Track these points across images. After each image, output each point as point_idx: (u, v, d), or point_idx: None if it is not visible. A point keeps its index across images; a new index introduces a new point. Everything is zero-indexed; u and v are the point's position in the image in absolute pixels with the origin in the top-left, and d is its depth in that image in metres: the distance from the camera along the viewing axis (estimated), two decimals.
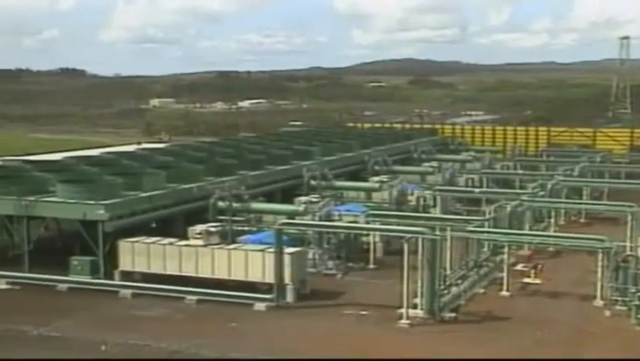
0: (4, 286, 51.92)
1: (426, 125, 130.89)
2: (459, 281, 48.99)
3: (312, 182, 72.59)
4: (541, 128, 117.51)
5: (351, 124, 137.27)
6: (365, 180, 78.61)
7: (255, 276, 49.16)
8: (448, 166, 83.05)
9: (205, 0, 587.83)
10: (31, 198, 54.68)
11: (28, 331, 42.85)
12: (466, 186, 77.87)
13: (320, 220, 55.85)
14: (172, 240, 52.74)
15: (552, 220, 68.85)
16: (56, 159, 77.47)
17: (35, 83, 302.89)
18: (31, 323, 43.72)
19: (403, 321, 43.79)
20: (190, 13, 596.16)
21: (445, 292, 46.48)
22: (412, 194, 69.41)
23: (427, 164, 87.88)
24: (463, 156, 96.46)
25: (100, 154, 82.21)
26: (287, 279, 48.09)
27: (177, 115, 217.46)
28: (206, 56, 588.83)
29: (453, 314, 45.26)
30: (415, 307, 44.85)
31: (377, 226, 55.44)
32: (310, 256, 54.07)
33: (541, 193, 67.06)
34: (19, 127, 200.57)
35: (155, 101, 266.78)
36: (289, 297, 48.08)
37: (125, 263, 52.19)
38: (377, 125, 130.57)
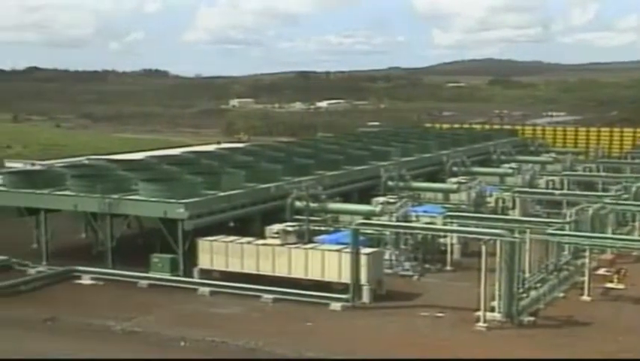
0: (89, 282, 53.40)
1: (505, 126, 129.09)
2: (538, 285, 48.11)
3: (390, 183, 72.39)
4: (626, 130, 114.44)
5: (429, 125, 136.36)
6: (443, 181, 77.98)
7: (331, 276, 49.32)
8: (528, 168, 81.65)
9: (285, 1, 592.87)
10: (115, 197, 56.10)
11: (112, 326, 43.93)
12: (547, 188, 76.41)
13: (397, 221, 55.64)
14: (250, 239, 53.38)
15: (636, 224, 66.91)
16: (139, 158, 79.27)
17: (120, 83, 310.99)
18: (114, 318, 44.84)
19: (480, 324, 43.26)
20: (270, 14, 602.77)
21: (524, 295, 45.71)
22: (490, 196, 68.53)
23: (506, 165, 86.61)
24: (543, 157, 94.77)
25: (181, 153, 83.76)
26: (363, 279, 48.08)
27: (256, 115, 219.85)
28: (286, 56, 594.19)
29: (532, 318, 44.48)
30: (492, 310, 44.25)
31: (455, 227, 54.93)
32: (387, 256, 53.91)
33: (625, 196, 65.32)
34: (103, 127, 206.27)
35: (234, 102, 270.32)
36: (365, 297, 48.06)
37: (203, 261, 53.06)
38: (456, 125, 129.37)
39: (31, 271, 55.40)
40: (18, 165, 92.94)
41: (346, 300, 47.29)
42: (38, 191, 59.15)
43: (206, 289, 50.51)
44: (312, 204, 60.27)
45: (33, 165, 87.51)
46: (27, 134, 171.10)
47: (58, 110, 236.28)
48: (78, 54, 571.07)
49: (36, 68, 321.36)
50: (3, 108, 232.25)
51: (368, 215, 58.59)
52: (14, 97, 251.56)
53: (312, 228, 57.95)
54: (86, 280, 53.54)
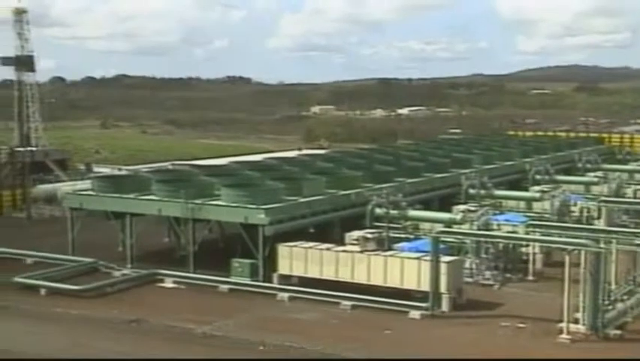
0: (171, 285, 54.41)
1: (591, 134, 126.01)
2: (625, 297, 46.74)
3: (471, 190, 71.53)
4: None
5: (512, 132, 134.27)
6: (526, 189, 76.63)
7: (410, 283, 49.01)
8: (615, 176, 79.51)
9: (368, 8, 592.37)
10: (198, 202, 57.04)
11: (193, 329, 44.64)
12: (635, 198, 74.20)
13: (478, 229, 54.95)
14: (329, 245, 53.51)
15: None
16: (222, 163, 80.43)
17: (204, 90, 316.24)
18: (195, 322, 45.55)
19: (564, 336, 42.28)
20: (353, 20, 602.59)
21: (610, 307, 44.46)
22: (575, 205, 66.97)
23: (592, 174, 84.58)
24: (631, 166, 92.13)
25: (263, 159, 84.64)
26: (443, 288, 47.61)
27: (337, 122, 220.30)
28: (368, 63, 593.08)
29: (618, 332, 43.23)
30: (576, 322, 43.22)
31: (537, 236, 53.89)
32: (467, 265, 53.31)
33: None
34: (187, 133, 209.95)
35: (315, 108, 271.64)
36: (445, 306, 47.59)
37: (283, 267, 53.42)
38: (539, 133, 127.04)
39: (117, 273, 56.83)
40: (105, 170, 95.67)
41: (425, 308, 46.91)
42: (124, 195, 60.66)
43: (286, 295, 50.82)
44: (392, 212, 60.05)
45: (120, 170, 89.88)
46: (114, 140, 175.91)
47: (144, 116, 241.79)
48: (164, 62, 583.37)
49: (124, 76, 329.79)
50: (93, 115, 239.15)
51: (449, 223, 58.04)
52: (103, 104, 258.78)
53: (391, 235, 57.71)
54: (168, 284, 54.57)
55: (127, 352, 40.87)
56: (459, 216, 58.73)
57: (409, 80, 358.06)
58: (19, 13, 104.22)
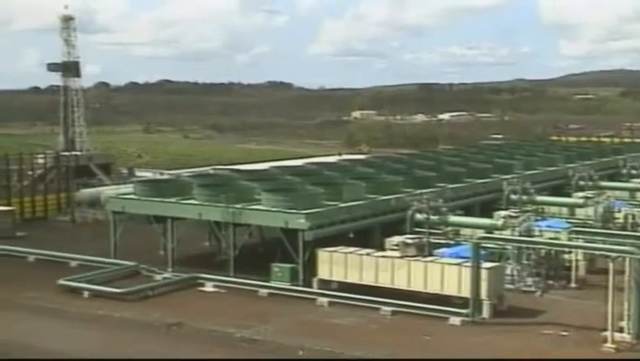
0: (211, 289, 54.70)
1: (636, 140, 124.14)
2: None
3: (513, 196, 70.77)
4: None
5: (554, 137, 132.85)
6: (568, 195, 75.68)
7: (450, 290, 48.70)
8: None
9: (410, 13, 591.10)
10: (238, 206, 57.33)
11: (233, 333, 44.85)
12: None
13: (519, 235, 54.39)
14: (369, 250, 53.39)
15: None
16: (262, 168, 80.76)
17: (245, 95, 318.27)
18: (235, 326, 45.76)
19: (608, 345, 41.61)
20: (395, 25, 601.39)
21: None
22: (619, 211, 65.98)
23: (636, 180, 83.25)
24: None
25: (303, 164, 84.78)
26: (483, 294, 47.22)
27: (378, 127, 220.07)
28: (409, 68, 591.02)
29: None
30: (620, 330, 42.52)
31: (580, 243, 53.17)
32: (508, 271, 52.79)
33: None
34: (229, 137, 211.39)
35: (356, 113, 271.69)
36: (485, 313, 47.18)
37: (323, 272, 53.42)
38: (583, 138, 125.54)
39: (158, 277, 57.33)
40: (147, 175, 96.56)
41: (466, 315, 46.56)
42: (166, 200, 61.21)
43: (325, 300, 50.79)
44: (432, 217, 59.71)
45: (161, 174, 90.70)
46: (157, 145, 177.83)
47: (186, 121, 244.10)
48: (207, 67, 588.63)
49: (167, 81, 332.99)
50: (136, 120, 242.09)
51: (490, 229, 57.50)
52: (146, 109, 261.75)
53: (432, 241, 57.40)
54: (208, 288, 54.88)
55: (165, 354, 41.21)
56: (500, 222, 58.16)
57: (451, 85, 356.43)
58: (67, 20, 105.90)
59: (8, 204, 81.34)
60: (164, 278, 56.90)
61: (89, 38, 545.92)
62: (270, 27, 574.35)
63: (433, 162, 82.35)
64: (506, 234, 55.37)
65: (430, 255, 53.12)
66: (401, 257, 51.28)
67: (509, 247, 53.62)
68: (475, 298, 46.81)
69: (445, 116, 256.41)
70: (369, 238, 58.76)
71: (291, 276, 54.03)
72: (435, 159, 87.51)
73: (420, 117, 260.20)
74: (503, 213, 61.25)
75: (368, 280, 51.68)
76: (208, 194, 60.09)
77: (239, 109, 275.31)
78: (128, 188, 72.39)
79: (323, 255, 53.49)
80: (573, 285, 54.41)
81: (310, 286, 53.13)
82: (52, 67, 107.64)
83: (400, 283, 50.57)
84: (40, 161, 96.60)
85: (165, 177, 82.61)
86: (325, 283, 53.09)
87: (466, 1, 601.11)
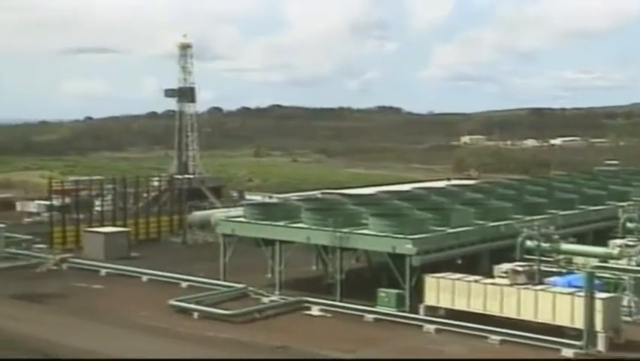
0: (318, 313, 54.88)
1: None
2: None
3: (629, 224, 68.12)
4: None
5: None
6: None
7: (562, 320, 47.18)
8: None
9: (521, 37, 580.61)
10: (345, 230, 57.43)
11: (338, 357, 44.76)
12: None
13: (637, 265, 52.27)
14: (477, 277, 52.45)
15: None
16: (370, 192, 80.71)
17: (355, 120, 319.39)
18: (340, 350, 45.73)
19: None
20: (505, 50, 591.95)
21: None
22: None
23: None
24: None
25: (411, 189, 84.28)
26: (598, 326, 45.53)
27: (487, 152, 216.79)
28: (520, 92, 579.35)
29: None
30: None
31: None
32: (625, 303, 50.77)
33: None
34: (337, 161, 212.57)
35: (466, 138, 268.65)
36: (600, 345, 45.41)
37: (430, 298, 52.78)
38: None
39: (265, 299, 57.96)
40: (257, 198, 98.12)
41: (579, 347, 44.97)
42: (274, 223, 61.93)
43: (432, 327, 50.13)
44: (543, 245, 58.16)
45: (270, 197, 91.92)
46: (266, 168, 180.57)
47: (296, 145, 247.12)
48: (317, 92, 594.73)
49: (278, 106, 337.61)
50: (247, 144, 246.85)
51: (604, 258, 55.54)
52: (257, 133, 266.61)
53: (543, 269, 55.88)
54: (315, 311, 55.07)
55: None
56: (616, 251, 56.11)
57: (563, 109, 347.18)
58: (184, 47, 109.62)
59: (124, 226, 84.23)
60: (271, 301, 57.46)
61: (204, 65, 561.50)
62: (380, 52, 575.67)
63: (544, 188, 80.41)
64: (622, 263, 53.33)
65: (541, 283, 51.72)
66: (511, 285, 50.14)
67: (626, 277, 51.60)
68: (589, 329, 45.19)
69: (557, 141, 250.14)
70: (477, 264, 57.79)
71: (398, 302, 53.62)
72: (546, 185, 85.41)
73: (531, 142, 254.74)
74: (619, 241, 59.16)
75: (476, 307, 50.72)
76: (316, 218, 60.45)
77: (348, 133, 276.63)
78: (237, 211, 73.71)
79: (430, 281, 52.89)
80: None
81: (417, 313, 52.58)
82: (169, 93, 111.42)
83: (509, 312, 49.39)
84: (155, 184, 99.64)
85: (274, 200, 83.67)
86: (432, 310, 52.43)
87: (580, 26, 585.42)
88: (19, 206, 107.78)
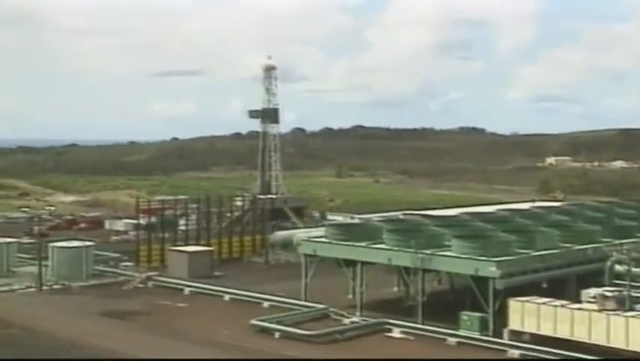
0: (399, 335, 54.32)
1: None
2: None
3: None
4: None
5: None
6: None
7: None
8: None
9: (608, 57, 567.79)
10: (427, 252, 56.82)
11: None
12: None
13: None
14: (564, 302, 51.09)
15: None
16: (453, 214, 79.76)
17: (437, 140, 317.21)
18: None
19: None
20: (592, 70, 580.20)
21: None
22: None
23: None
24: None
25: (495, 211, 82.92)
26: None
27: (573, 173, 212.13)
28: (607, 113, 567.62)
29: None
30: None
31: None
32: None
33: None
34: (419, 182, 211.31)
35: (551, 159, 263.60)
36: None
37: (514, 322, 51.64)
38: None
39: (346, 320, 57.73)
40: (338, 218, 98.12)
41: None
42: (356, 244, 61.75)
43: (517, 352, 49.03)
44: (634, 269, 56.28)
45: (352, 218, 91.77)
46: (348, 189, 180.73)
47: (378, 165, 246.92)
48: (399, 113, 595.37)
49: (360, 127, 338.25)
50: (329, 164, 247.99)
51: None
52: (339, 153, 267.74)
53: (634, 294, 54.02)
54: (396, 333, 54.56)
55: None
56: None
57: None
58: (269, 69, 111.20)
59: (208, 245, 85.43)
60: (352, 322, 57.20)
61: (288, 86, 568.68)
62: (463, 73, 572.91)
63: (634, 211, 77.95)
64: None
65: (632, 310, 49.99)
66: (599, 310, 48.64)
67: None
68: None
69: None
70: (563, 288, 56.27)
71: (481, 325, 52.67)
72: (636, 207, 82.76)
73: (619, 164, 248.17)
74: None
75: (563, 333, 49.36)
76: (398, 239, 60.01)
77: (430, 154, 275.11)
78: (319, 231, 73.80)
79: (514, 305, 51.78)
80: None
81: (500, 337, 51.50)
82: (253, 114, 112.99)
83: (598, 339, 47.88)
84: (238, 203, 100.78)
85: (356, 221, 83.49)
86: (516, 334, 51.27)
87: None
88: (107, 224, 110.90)
